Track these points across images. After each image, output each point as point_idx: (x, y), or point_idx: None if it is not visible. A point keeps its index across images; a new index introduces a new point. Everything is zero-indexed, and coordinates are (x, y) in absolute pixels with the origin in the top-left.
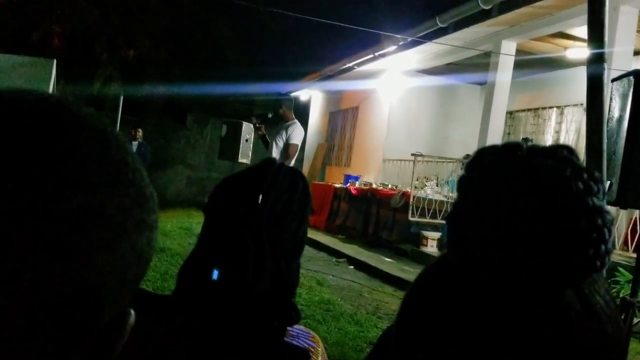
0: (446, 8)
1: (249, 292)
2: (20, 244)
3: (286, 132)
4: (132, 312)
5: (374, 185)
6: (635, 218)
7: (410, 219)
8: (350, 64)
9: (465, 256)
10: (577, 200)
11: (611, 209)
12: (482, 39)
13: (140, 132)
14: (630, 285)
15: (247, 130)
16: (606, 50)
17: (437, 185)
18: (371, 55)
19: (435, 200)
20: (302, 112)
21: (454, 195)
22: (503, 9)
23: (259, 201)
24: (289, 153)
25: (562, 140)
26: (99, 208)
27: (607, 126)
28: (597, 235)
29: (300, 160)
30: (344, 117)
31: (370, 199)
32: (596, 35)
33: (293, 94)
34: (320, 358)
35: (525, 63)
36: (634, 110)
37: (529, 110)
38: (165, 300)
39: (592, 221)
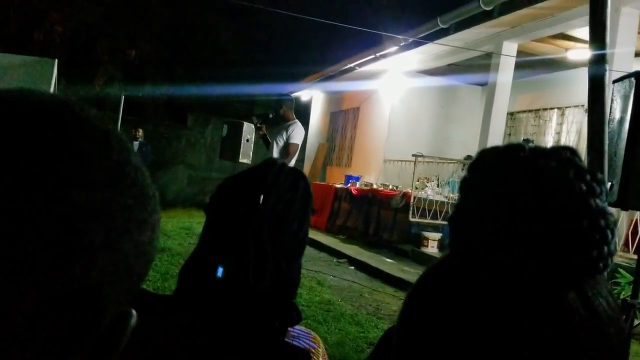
0: (447, 9)
1: (250, 292)
2: (22, 244)
3: (287, 132)
4: (134, 312)
5: (375, 186)
6: (636, 219)
7: (411, 219)
8: (352, 65)
9: (467, 257)
10: (580, 201)
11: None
12: (483, 40)
13: (141, 132)
14: (631, 286)
15: (248, 130)
16: (607, 51)
17: (437, 186)
18: (372, 56)
19: (436, 201)
20: (303, 113)
21: (454, 196)
22: (504, 10)
23: (261, 201)
24: (289, 152)
25: (562, 142)
26: (102, 208)
27: (608, 127)
28: (599, 236)
29: (301, 160)
30: (345, 118)
31: (371, 199)
32: (598, 36)
33: (294, 94)
34: (321, 359)
35: (527, 64)
36: (635, 111)
37: (530, 111)
38: (166, 300)
39: (594, 222)
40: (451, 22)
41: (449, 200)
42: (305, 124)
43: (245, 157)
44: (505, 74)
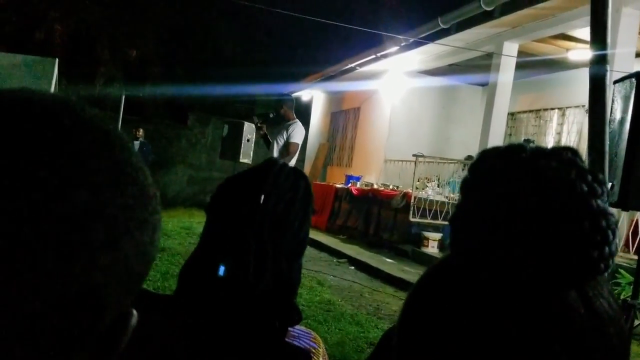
0: (448, 9)
1: (250, 292)
2: (22, 244)
3: (287, 132)
4: (135, 312)
5: (375, 186)
6: (637, 220)
7: (412, 219)
8: (352, 65)
9: (468, 258)
10: (581, 202)
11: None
12: (484, 40)
13: (141, 132)
14: (631, 287)
15: (249, 130)
16: (608, 52)
17: (438, 186)
18: (373, 56)
19: (437, 201)
20: (303, 112)
21: (455, 196)
22: (505, 10)
23: (261, 201)
24: (290, 151)
25: (563, 142)
26: (103, 208)
27: (609, 128)
28: (601, 237)
29: (301, 160)
30: (345, 118)
31: (372, 199)
32: (599, 37)
33: (295, 94)
34: (321, 359)
35: (527, 64)
36: (635, 112)
37: (530, 111)
38: (167, 300)
39: (596, 223)
40: (452, 22)
41: (449, 200)
42: (306, 124)
43: (246, 157)
44: (506, 74)
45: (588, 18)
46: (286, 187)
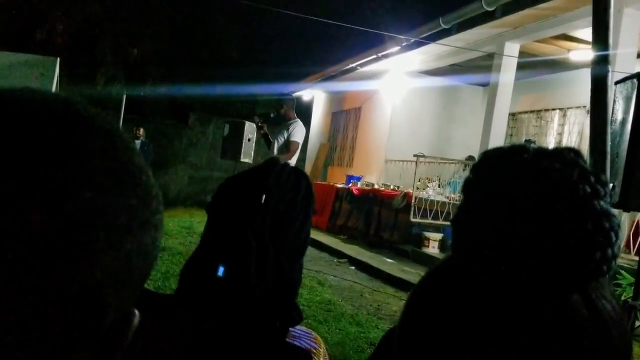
0: (450, 9)
1: (251, 292)
2: (25, 243)
3: (287, 131)
4: (137, 312)
5: (376, 186)
6: (638, 221)
7: (412, 220)
8: (353, 65)
9: (469, 259)
10: (584, 203)
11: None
12: (486, 40)
13: (142, 131)
14: (632, 288)
15: (250, 129)
16: (610, 52)
17: (439, 187)
18: (374, 56)
19: (437, 202)
20: (304, 112)
21: (455, 196)
22: (507, 10)
23: (262, 201)
24: (290, 149)
25: (564, 143)
26: (105, 208)
27: (610, 129)
28: (603, 238)
29: (302, 160)
30: (346, 118)
31: (372, 199)
32: (600, 37)
33: (296, 94)
34: (322, 359)
35: (529, 65)
36: (637, 112)
37: (531, 112)
38: (167, 299)
39: (598, 224)
40: (453, 22)
41: (450, 200)
42: (307, 123)
43: (247, 157)
44: (507, 74)
45: (589, 19)
46: (287, 187)
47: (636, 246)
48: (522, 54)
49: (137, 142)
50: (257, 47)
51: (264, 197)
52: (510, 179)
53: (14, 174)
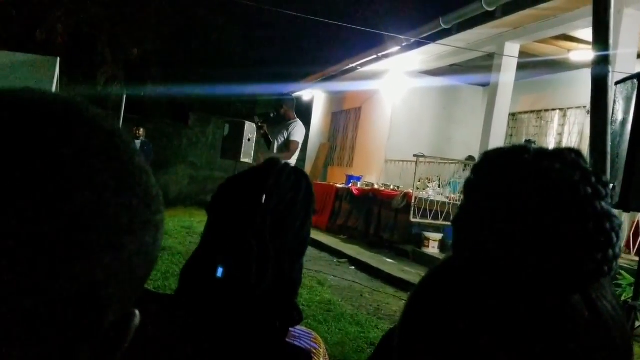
0: (450, 9)
1: (251, 292)
2: (27, 242)
3: (287, 130)
4: (137, 312)
5: (376, 186)
6: (638, 221)
7: (412, 220)
8: (353, 65)
9: (470, 259)
10: (586, 204)
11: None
12: (486, 40)
13: (142, 131)
14: (632, 288)
15: (250, 129)
16: (611, 52)
17: (439, 187)
18: (374, 56)
19: (437, 202)
20: (304, 112)
21: (455, 196)
22: (507, 10)
23: (263, 201)
24: (290, 149)
25: (564, 143)
26: (106, 208)
27: (611, 129)
28: (605, 239)
29: (302, 160)
30: (346, 118)
31: (372, 199)
32: (601, 37)
33: (296, 94)
34: (322, 359)
35: (529, 65)
36: (637, 113)
37: (531, 112)
38: (167, 299)
39: (600, 225)
40: (453, 22)
41: (450, 200)
42: (307, 123)
43: (247, 157)
44: (507, 74)
45: (590, 19)
46: (287, 187)
47: (636, 246)
48: (522, 54)
49: (137, 142)
50: (257, 47)
51: (264, 197)
52: (512, 179)
53: (14, 173)
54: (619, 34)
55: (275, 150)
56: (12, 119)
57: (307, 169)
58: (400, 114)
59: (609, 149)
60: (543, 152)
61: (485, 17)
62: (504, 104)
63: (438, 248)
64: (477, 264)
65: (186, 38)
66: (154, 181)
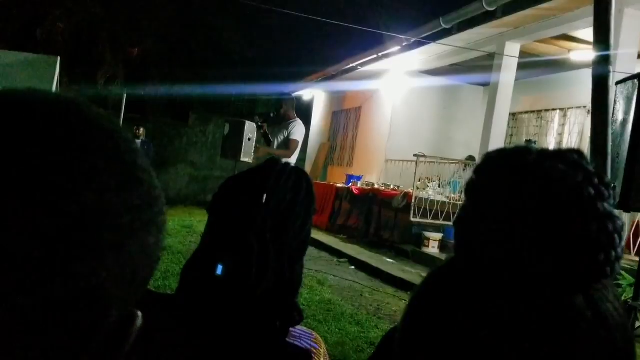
0: (450, 9)
1: (252, 292)
2: (27, 243)
3: (287, 130)
4: (140, 314)
5: (376, 186)
6: (638, 221)
7: (412, 219)
8: (354, 64)
9: (473, 260)
10: (588, 205)
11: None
12: (486, 40)
13: (142, 131)
14: (633, 289)
15: (250, 129)
16: (612, 52)
17: (439, 186)
18: (375, 56)
19: (437, 201)
20: (305, 112)
21: (456, 196)
22: (507, 10)
23: (263, 201)
24: (290, 147)
25: (564, 143)
26: (109, 208)
27: (611, 129)
28: (607, 240)
29: (302, 159)
30: (346, 117)
31: (372, 199)
32: (602, 37)
33: (296, 94)
34: (322, 359)
35: (529, 65)
36: (638, 113)
37: (532, 112)
38: (168, 299)
39: (603, 226)
40: (454, 22)
41: (450, 200)
42: (307, 123)
43: (247, 156)
44: (507, 74)
45: (590, 19)
46: (288, 187)
47: (636, 247)
48: (522, 54)
49: (137, 141)
50: (257, 47)
51: (264, 197)
52: (514, 180)
53: (18, 174)
54: (619, 34)
55: (275, 149)
56: (15, 120)
57: (307, 168)
58: (401, 113)
59: (609, 149)
60: (546, 153)
61: (486, 17)
62: (504, 104)
63: (438, 248)
64: (479, 265)
65: (186, 38)
66: (156, 181)
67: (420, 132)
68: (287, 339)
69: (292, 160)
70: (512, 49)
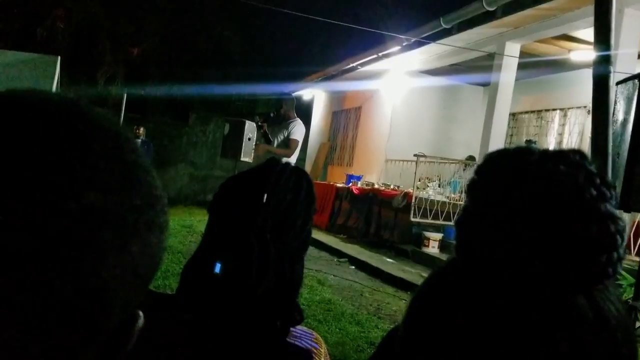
0: (450, 9)
1: (252, 292)
2: (29, 243)
3: (287, 130)
4: (141, 314)
5: (376, 186)
6: (639, 221)
7: (412, 219)
8: (354, 64)
9: (474, 261)
10: (590, 206)
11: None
12: (486, 40)
13: (142, 130)
14: (633, 289)
15: (250, 128)
16: (612, 52)
17: (439, 186)
18: (375, 56)
19: (437, 201)
20: (305, 112)
21: (456, 196)
22: (507, 10)
23: (264, 201)
24: (289, 147)
25: (564, 143)
26: (111, 208)
27: (612, 129)
28: (609, 241)
29: (302, 159)
30: (346, 117)
31: (372, 199)
32: (602, 37)
33: (296, 94)
34: (322, 359)
35: (529, 65)
36: (638, 113)
37: (532, 112)
38: (168, 299)
39: (604, 227)
40: (454, 22)
41: (450, 200)
42: (307, 123)
43: (247, 156)
44: (507, 74)
45: (591, 19)
46: (288, 187)
47: (636, 247)
48: (522, 54)
49: (138, 141)
50: (257, 47)
51: (265, 196)
52: (516, 181)
53: (19, 174)
54: (620, 34)
55: (275, 148)
56: (17, 120)
57: (307, 168)
58: (401, 113)
59: (609, 149)
60: (547, 153)
61: (486, 17)
62: (504, 104)
63: (438, 248)
64: (481, 265)
65: (186, 38)
66: (157, 181)
67: (420, 132)
68: (287, 339)
69: (292, 160)
70: (512, 49)
